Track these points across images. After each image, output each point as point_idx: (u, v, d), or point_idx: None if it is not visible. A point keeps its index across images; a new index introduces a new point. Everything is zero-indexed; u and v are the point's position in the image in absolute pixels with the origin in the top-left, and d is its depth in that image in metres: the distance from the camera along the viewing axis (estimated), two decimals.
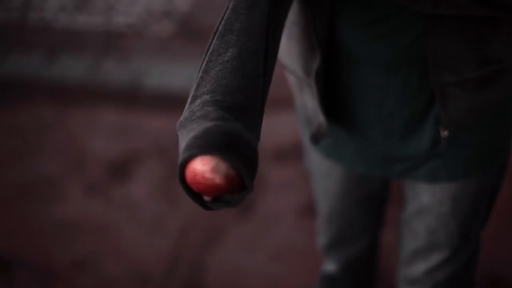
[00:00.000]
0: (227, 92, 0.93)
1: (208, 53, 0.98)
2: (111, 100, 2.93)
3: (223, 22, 1.00)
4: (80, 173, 2.59)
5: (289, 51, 1.27)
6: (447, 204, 1.38)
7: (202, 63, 0.98)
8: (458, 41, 1.13)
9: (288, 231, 2.33)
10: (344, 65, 1.25)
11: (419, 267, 1.50)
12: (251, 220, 2.37)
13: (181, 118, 0.93)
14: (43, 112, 2.88)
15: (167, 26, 3.37)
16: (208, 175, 0.85)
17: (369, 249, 1.74)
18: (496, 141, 1.33)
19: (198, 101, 0.93)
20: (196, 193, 0.89)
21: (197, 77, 0.97)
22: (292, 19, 1.21)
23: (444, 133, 1.24)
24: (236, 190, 0.88)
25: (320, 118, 1.31)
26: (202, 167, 0.85)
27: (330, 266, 1.80)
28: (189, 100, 0.95)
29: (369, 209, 1.64)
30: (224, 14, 1.01)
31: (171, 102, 2.88)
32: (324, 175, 1.55)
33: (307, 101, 1.33)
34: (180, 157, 0.87)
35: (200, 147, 0.85)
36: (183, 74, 3.03)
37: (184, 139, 0.90)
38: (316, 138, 1.35)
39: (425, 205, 1.41)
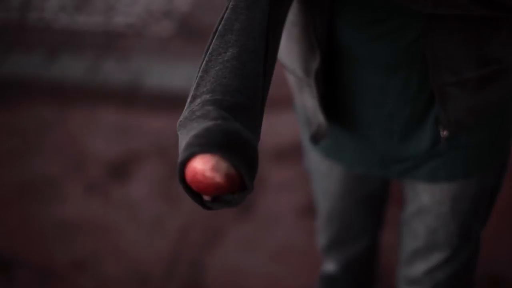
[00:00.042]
0: (227, 91, 0.93)
1: (208, 52, 0.98)
2: (111, 100, 2.93)
3: (223, 22, 1.00)
4: (80, 173, 2.59)
5: (288, 51, 1.27)
6: (447, 204, 1.38)
7: (202, 63, 0.98)
8: (458, 41, 1.13)
9: (288, 231, 2.33)
10: (344, 65, 1.25)
11: (419, 267, 1.50)
12: (251, 220, 2.37)
13: (181, 118, 0.93)
14: (43, 112, 2.88)
15: (167, 26, 3.37)
16: (208, 173, 0.85)
17: (369, 249, 1.74)
18: (496, 141, 1.33)
19: (198, 101, 0.93)
20: (196, 192, 0.89)
21: (197, 76, 0.97)
22: (292, 19, 1.21)
23: (444, 133, 1.24)
24: (236, 189, 0.88)
25: (319, 118, 1.31)
26: (202, 165, 0.85)
27: (330, 266, 1.80)
28: (189, 100, 0.95)
29: (369, 209, 1.64)
30: (224, 14, 1.01)
31: (171, 102, 2.88)
32: (324, 175, 1.55)
33: (307, 101, 1.33)
34: (180, 156, 0.87)
35: (201, 145, 0.85)
36: (183, 74, 3.03)
37: (184, 139, 0.89)
38: (315, 138, 1.35)
39: (425, 205, 1.41)
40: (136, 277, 2.22)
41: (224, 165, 0.85)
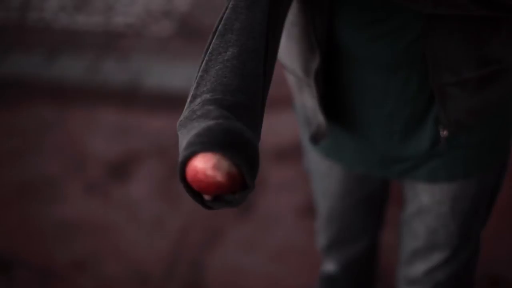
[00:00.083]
0: (227, 91, 0.93)
1: (208, 52, 0.98)
2: (111, 100, 2.93)
3: (223, 22, 1.00)
4: (80, 173, 2.59)
5: (288, 51, 1.27)
6: (446, 205, 1.38)
7: (202, 63, 0.98)
8: (458, 41, 1.13)
9: (288, 231, 2.33)
10: (344, 65, 1.25)
11: (419, 267, 1.50)
12: (251, 220, 2.37)
13: (181, 118, 0.93)
14: (43, 112, 2.88)
15: (166, 26, 3.37)
16: (209, 172, 0.85)
17: (369, 249, 1.74)
18: (496, 141, 1.33)
19: (198, 100, 0.93)
20: (196, 192, 0.89)
21: (197, 76, 0.97)
22: (292, 19, 1.21)
23: (444, 133, 1.24)
24: (237, 189, 0.87)
25: (319, 118, 1.31)
26: (203, 164, 0.85)
27: (329, 266, 1.80)
28: (189, 100, 0.95)
29: (369, 209, 1.64)
30: (224, 13, 1.01)
31: (170, 102, 2.88)
32: (323, 175, 1.55)
33: (307, 101, 1.33)
34: (181, 155, 0.87)
35: (202, 143, 0.85)
36: (182, 74, 3.03)
37: (185, 138, 0.89)
38: (315, 138, 1.35)
39: (425, 205, 1.41)
40: (136, 277, 2.22)
41: (225, 164, 0.85)
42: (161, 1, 3.53)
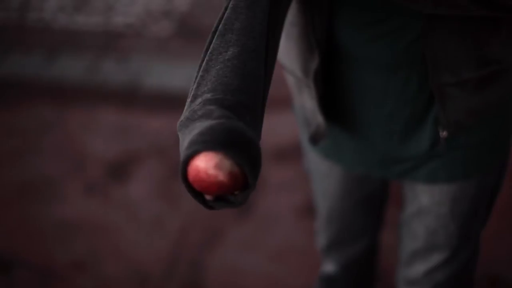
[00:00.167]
0: (228, 90, 0.93)
1: (208, 52, 0.98)
2: (111, 100, 2.93)
3: (223, 21, 1.00)
4: (79, 173, 2.59)
5: (287, 51, 1.26)
6: (446, 205, 1.38)
7: (202, 63, 0.98)
8: (458, 42, 1.13)
9: (288, 231, 2.33)
10: (343, 65, 1.25)
11: (419, 268, 1.50)
12: (251, 220, 2.37)
13: (182, 118, 0.93)
14: (42, 112, 2.88)
15: (166, 26, 3.37)
16: (211, 171, 0.85)
17: (368, 249, 1.74)
18: (495, 142, 1.33)
19: (199, 100, 0.93)
20: (198, 191, 0.89)
21: (197, 76, 0.97)
22: (291, 19, 1.21)
23: (443, 134, 1.24)
24: (239, 188, 0.87)
25: (318, 118, 1.31)
26: (205, 163, 0.85)
27: (329, 267, 1.80)
28: (189, 100, 0.95)
29: (369, 210, 1.64)
30: (224, 13, 1.01)
31: (170, 102, 2.88)
32: (323, 175, 1.55)
33: (306, 102, 1.33)
34: (183, 154, 0.86)
35: (205, 142, 0.85)
36: (182, 74, 3.03)
37: (186, 138, 0.89)
38: (315, 139, 1.35)
39: (424, 206, 1.41)
40: (136, 277, 2.22)
41: (227, 163, 0.85)
42: (160, 1, 3.53)
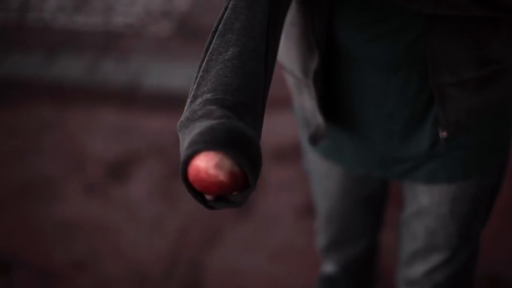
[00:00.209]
0: (228, 90, 0.93)
1: (208, 52, 0.98)
2: (111, 100, 2.93)
3: (223, 21, 1.00)
4: (79, 173, 2.59)
5: (287, 51, 1.26)
6: (446, 206, 1.37)
7: (202, 63, 0.98)
8: (458, 42, 1.13)
9: (287, 231, 2.33)
10: (343, 65, 1.25)
11: (418, 268, 1.49)
12: (251, 220, 2.37)
13: (182, 118, 0.93)
14: (42, 112, 2.88)
15: (166, 26, 3.37)
16: (211, 171, 0.84)
17: (368, 250, 1.74)
18: (495, 142, 1.33)
19: (199, 100, 0.93)
20: (198, 191, 0.89)
21: (197, 76, 0.97)
22: (290, 19, 1.21)
23: (443, 134, 1.24)
24: (239, 188, 0.87)
25: (318, 119, 1.30)
26: (206, 163, 0.84)
27: (329, 267, 1.80)
28: (189, 100, 0.95)
29: (368, 210, 1.64)
30: (223, 13, 1.01)
31: (170, 102, 2.88)
32: (323, 176, 1.54)
33: (305, 102, 1.33)
34: (183, 154, 0.86)
35: (205, 142, 0.85)
36: (182, 74, 3.03)
37: (186, 138, 0.89)
38: (314, 139, 1.35)
39: (424, 207, 1.40)
40: (136, 277, 2.22)
41: (228, 163, 0.85)
42: (160, 1, 3.53)
